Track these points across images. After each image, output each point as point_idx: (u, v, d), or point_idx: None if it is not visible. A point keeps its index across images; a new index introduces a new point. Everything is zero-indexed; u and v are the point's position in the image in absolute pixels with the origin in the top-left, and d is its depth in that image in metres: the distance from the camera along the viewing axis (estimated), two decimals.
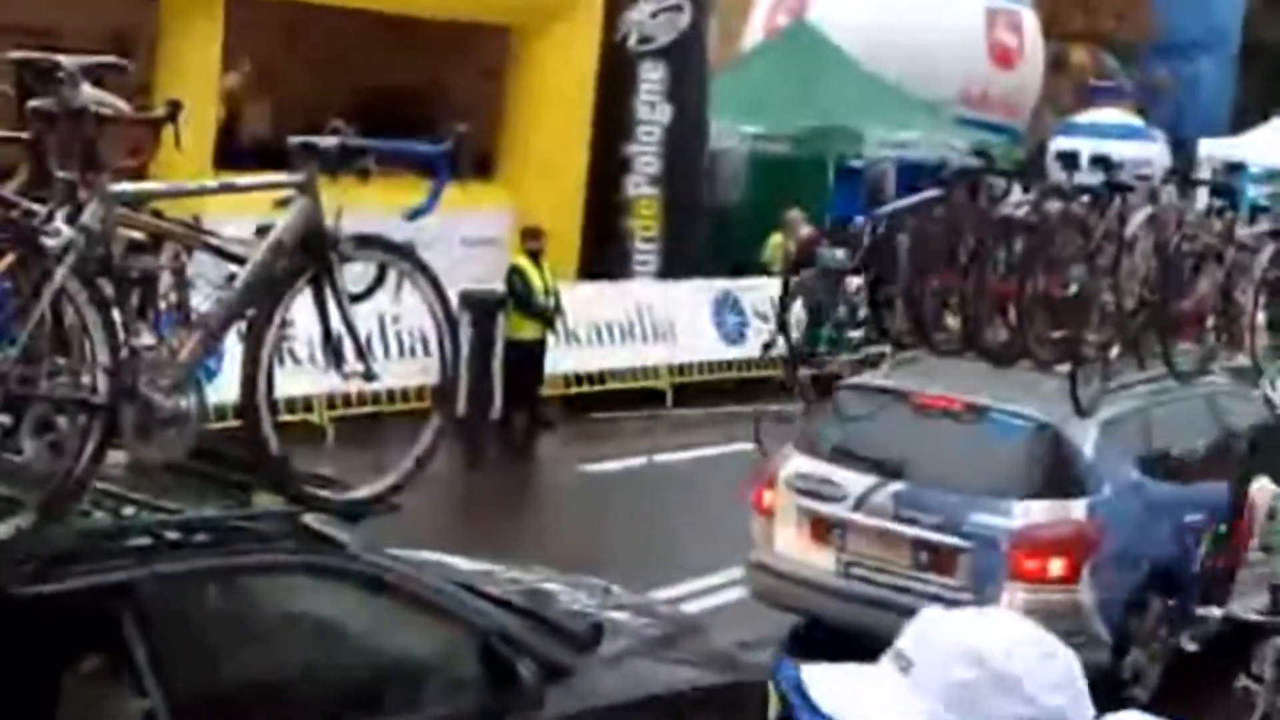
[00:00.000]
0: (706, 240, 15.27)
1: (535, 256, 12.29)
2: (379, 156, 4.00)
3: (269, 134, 13.64)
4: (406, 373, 9.64)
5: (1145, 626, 6.98)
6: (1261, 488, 7.51)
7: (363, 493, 4.12)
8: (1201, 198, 9.39)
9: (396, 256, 4.14)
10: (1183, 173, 9.24)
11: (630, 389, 13.14)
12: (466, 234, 12.17)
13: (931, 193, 8.06)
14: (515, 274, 12.26)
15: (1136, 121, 20.92)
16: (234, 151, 11.93)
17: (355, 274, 4.11)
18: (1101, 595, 6.73)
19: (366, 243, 4.02)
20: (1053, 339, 7.72)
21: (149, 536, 3.58)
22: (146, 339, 3.59)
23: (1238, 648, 7.13)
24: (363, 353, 4.10)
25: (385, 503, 4.21)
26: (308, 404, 10.64)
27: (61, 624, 3.57)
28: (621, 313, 13.39)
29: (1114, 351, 7.66)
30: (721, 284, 14.41)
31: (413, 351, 10.86)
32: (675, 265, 14.47)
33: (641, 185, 14.83)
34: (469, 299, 11.42)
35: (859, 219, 12.74)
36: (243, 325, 3.88)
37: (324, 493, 4.04)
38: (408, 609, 4.22)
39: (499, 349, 12.22)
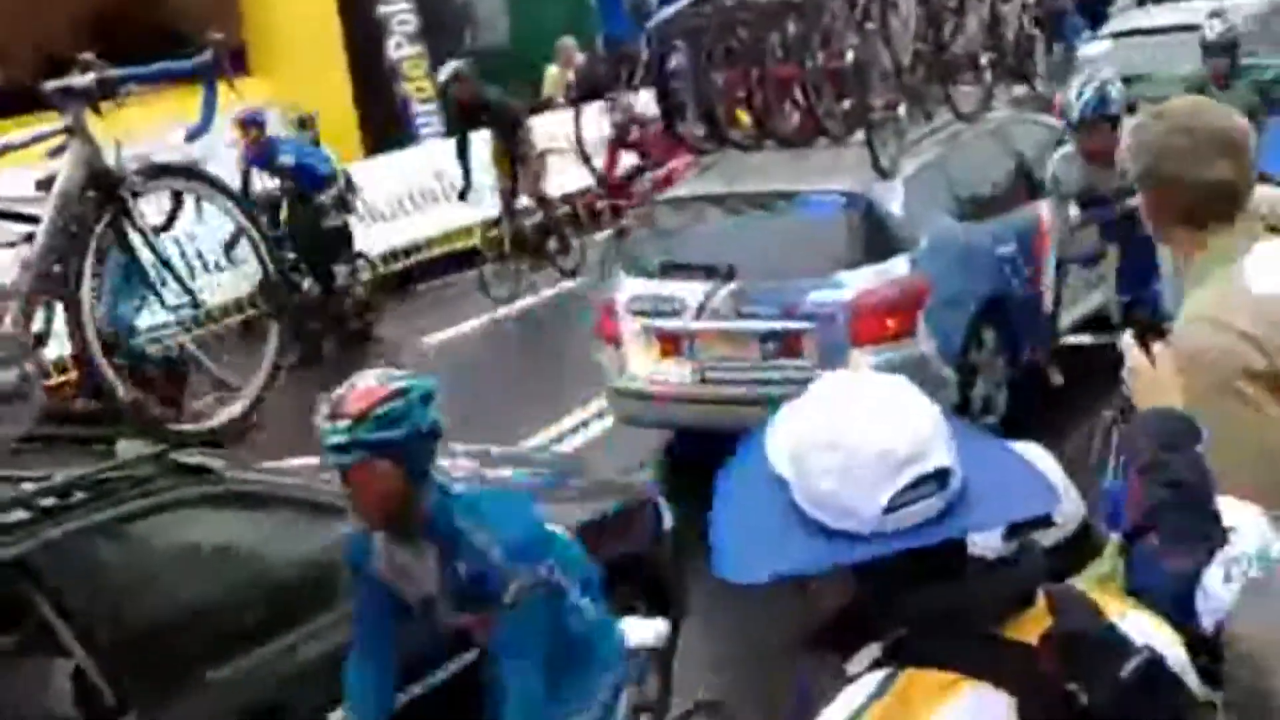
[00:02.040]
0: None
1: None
2: (140, 79, 3.89)
3: None
4: (226, 285, 9.54)
5: (984, 359, 7.36)
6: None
7: (223, 417, 4.12)
8: None
9: (188, 179, 4.08)
10: None
11: (448, 253, 13.08)
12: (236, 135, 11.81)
13: None
14: None
15: None
16: None
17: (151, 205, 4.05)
18: (939, 340, 7.06)
19: (155, 172, 3.94)
20: (842, 111, 7.93)
21: (27, 509, 3.54)
22: None
23: (1075, 363, 7.60)
24: (182, 282, 4.06)
25: (246, 422, 4.21)
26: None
27: None
28: (419, 179, 13.23)
29: (902, 110, 7.90)
30: None
31: (218, 266, 10.66)
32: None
33: (404, 45, 14.51)
34: (258, 200, 11.14)
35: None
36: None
37: (185, 426, 4.02)
38: (295, 516, 4.27)
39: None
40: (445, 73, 11.95)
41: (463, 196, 12.09)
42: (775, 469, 1.73)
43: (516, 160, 11.76)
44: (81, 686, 3.53)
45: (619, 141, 11.39)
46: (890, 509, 1.65)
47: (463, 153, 11.91)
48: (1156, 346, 2.22)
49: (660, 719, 4.87)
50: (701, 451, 7.11)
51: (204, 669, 3.74)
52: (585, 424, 8.45)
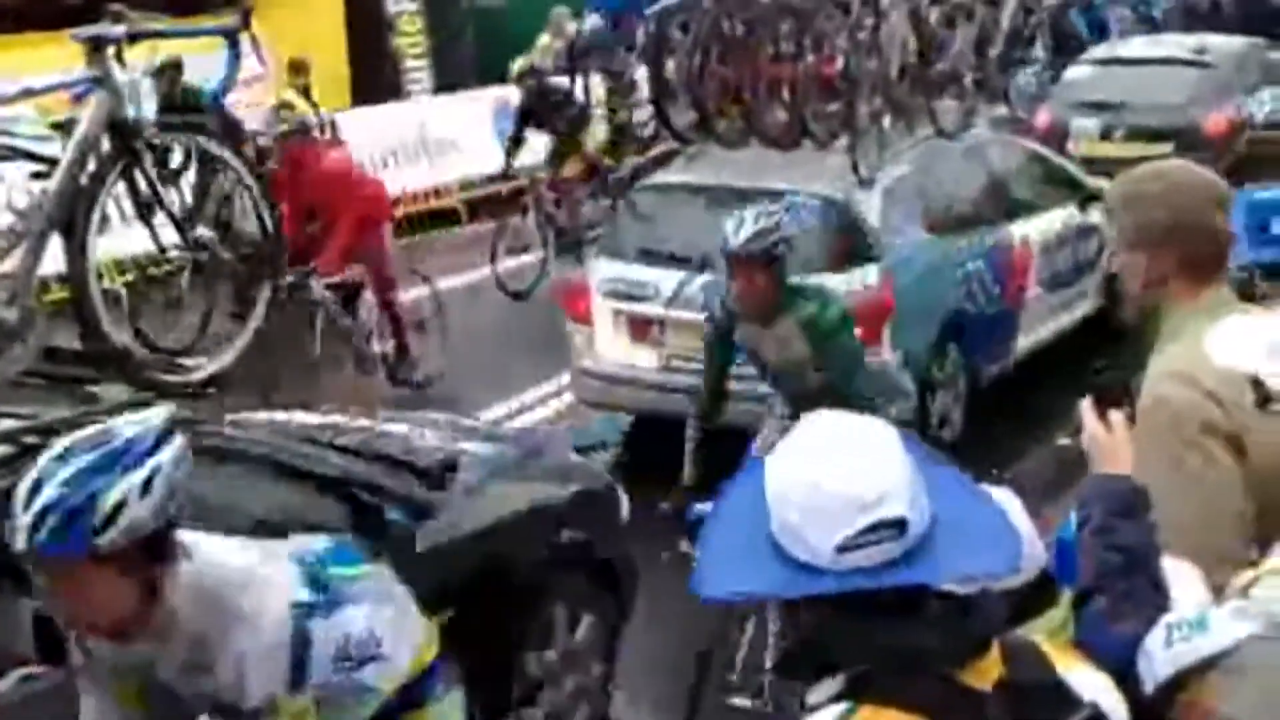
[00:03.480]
0: (475, 49, 15.09)
1: (304, 90, 12.02)
2: (168, 35, 3.97)
3: None
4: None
5: (944, 374, 7.50)
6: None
7: (208, 370, 4.21)
8: None
9: (200, 134, 4.16)
10: None
11: (423, 210, 13.13)
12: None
13: None
14: (284, 109, 11.98)
15: None
16: None
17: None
18: (903, 351, 7.20)
19: (171, 126, 4.02)
20: (827, 115, 8.06)
21: (11, 444, 3.62)
22: None
23: (1032, 385, 7.79)
24: (185, 233, 4.14)
25: (229, 376, 4.31)
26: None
27: None
28: (402, 134, 13.26)
29: (886, 120, 8.05)
30: (497, 92, 14.32)
31: None
32: (448, 79, 14.32)
33: (402, 1, 14.51)
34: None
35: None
36: None
37: (171, 377, 4.11)
38: (268, 474, 4.36)
39: None
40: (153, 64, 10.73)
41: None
42: (765, 493, 1.85)
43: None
44: (42, 627, 3.63)
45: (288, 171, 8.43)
46: (844, 549, 1.76)
47: None
48: (1113, 413, 2.31)
49: (602, 707, 5.00)
50: (657, 441, 7.29)
51: None
52: (545, 399, 8.55)
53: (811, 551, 1.78)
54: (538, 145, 11.66)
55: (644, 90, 10.84)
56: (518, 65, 11.71)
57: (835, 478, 1.78)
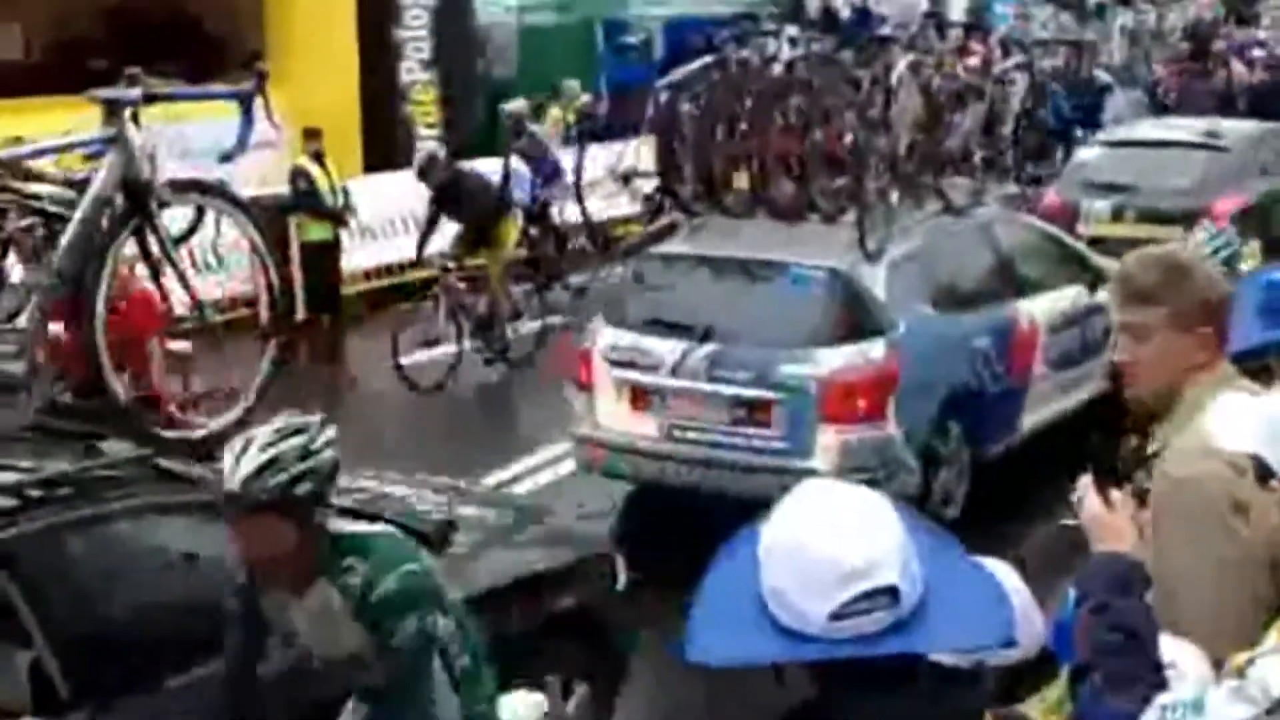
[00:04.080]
0: (485, 118, 15.25)
1: (318, 157, 12.14)
2: (183, 98, 4.03)
3: (22, 55, 13.07)
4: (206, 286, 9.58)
5: (948, 449, 7.49)
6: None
7: (211, 429, 4.23)
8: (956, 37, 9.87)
9: (213, 196, 4.21)
10: (938, 15, 9.66)
11: (434, 277, 13.17)
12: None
13: (708, 59, 8.28)
14: (299, 176, 12.10)
15: None
16: None
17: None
18: (907, 426, 7.20)
19: (184, 186, 4.08)
20: (835, 189, 8.12)
21: (14, 497, 3.63)
22: None
23: (1036, 465, 7.75)
24: (193, 292, 4.18)
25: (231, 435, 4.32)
26: None
27: None
28: (413, 202, 13.33)
29: (894, 195, 8.09)
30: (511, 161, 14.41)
31: (208, 265, 10.73)
32: (460, 147, 14.43)
33: (415, 71, 14.69)
34: (257, 206, 11.21)
35: None
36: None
37: (172, 433, 4.13)
38: None
39: (295, 253, 12.12)
40: None
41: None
42: (758, 556, 1.84)
43: None
44: (38, 677, 3.62)
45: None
46: (836, 617, 1.77)
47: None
48: (1114, 492, 2.31)
49: None
50: (659, 511, 7.27)
51: (161, 674, 3.83)
52: (550, 463, 8.54)
53: (802, 618, 1.78)
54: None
55: (568, 178, 10.93)
56: (419, 156, 11.29)
57: (829, 544, 1.78)
